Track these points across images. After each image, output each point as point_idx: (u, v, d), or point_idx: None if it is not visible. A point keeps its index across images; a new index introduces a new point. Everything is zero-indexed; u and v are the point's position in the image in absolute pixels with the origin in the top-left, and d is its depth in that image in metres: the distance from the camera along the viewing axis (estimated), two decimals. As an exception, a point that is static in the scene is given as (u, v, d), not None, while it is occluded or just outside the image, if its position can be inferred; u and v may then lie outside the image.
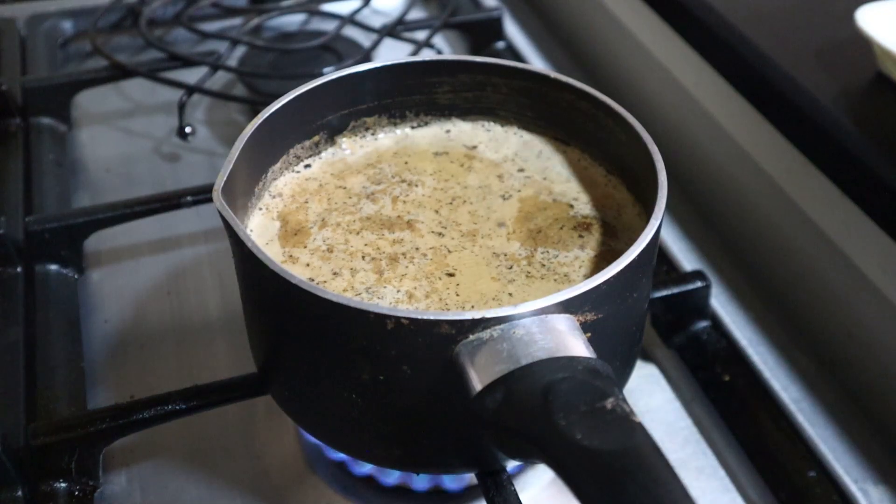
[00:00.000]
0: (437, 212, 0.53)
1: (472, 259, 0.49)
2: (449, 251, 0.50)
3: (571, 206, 0.53)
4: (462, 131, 0.59)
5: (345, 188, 0.55)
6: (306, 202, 0.53)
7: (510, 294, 0.47)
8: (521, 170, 0.56)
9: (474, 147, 0.57)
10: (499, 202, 0.53)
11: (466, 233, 0.51)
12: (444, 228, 0.51)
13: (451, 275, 0.48)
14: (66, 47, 0.95)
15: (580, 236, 0.51)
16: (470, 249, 0.50)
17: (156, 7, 0.93)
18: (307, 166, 0.57)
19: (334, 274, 0.49)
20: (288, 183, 0.55)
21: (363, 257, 0.50)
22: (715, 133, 0.76)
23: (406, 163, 0.56)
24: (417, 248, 0.50)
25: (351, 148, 0.58)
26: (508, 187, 0.55)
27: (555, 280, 0.48)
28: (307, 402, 0.49)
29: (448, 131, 0.59)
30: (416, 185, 0.54)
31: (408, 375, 0.42)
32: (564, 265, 0.49)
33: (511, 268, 0.49)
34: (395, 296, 0.47)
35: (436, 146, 0.58)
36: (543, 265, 0.49)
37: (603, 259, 0.49)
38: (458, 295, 0.47)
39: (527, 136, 0.59)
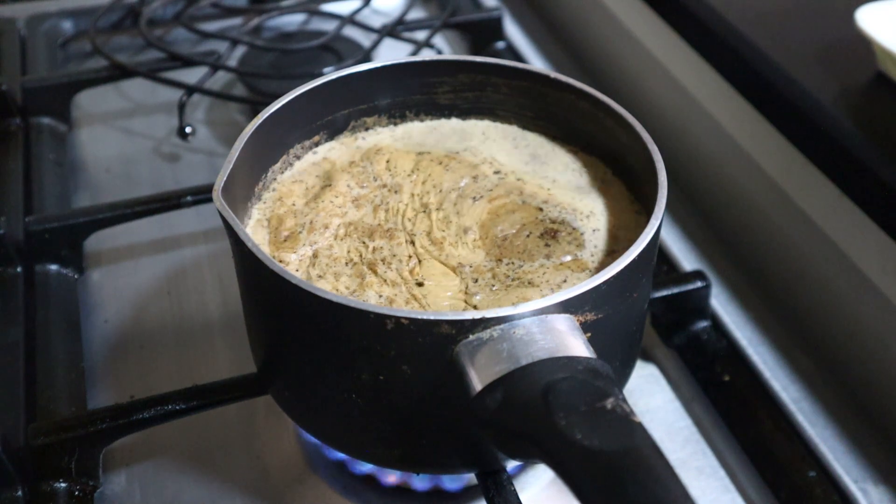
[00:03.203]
0: (410, 220, 0.52)
1: (440, 269, 0.49)
2: (419, 260, 0.49)
3: (540, 210, 0.52)
4: (454, 132, 0.59)
5: (330, 186, 0.54)
6: (293, 205, 0.53)
7: (475, 307, 0.47)
8: (496, 171, 0.55)
9: (457, 152, 0.57)
10: (468, 204, 0.53)
11: (434, 241, 0.50)
12: (414, 236, 0.51)
13: (420, 284, 0.48)
14: (66, 47, 0.95)
15: (546, 245, 0.50)
16: (437, 259, 0.49)
17: (156, 7, 0.93)
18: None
19: (318, 277, 0.48)
20: (281, 184, 0.55)
21: (346, 263, 0.49)
22: (715, 133, 0.76)
23: (388, 161, 0.56)
24: (395, 255, 0.49)
25: (338, 147, 0.57)
26: (480, 188, 0.54)
27: (518, 287, 0.47)
28: (307, 402, 0.49)
29: (438, 130, 0.59)
30: (395, 192, 0.54)
31: (408, 375, 0.42)
32: (529, 273, 0.48)
33: (476, 280, 0.48)
34: (378, 301, 0.47)
35: (420, 146, 0.57)
36: (508, 275, 0.48)
37: (568, 269, 0.49)
38: (428, 306, 0.47)
39: (519, 138, 0.58)
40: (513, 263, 0.49)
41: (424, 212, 0.52)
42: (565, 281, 0.48)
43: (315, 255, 0.49)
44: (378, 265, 0.49)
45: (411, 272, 0.48)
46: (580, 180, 0.55)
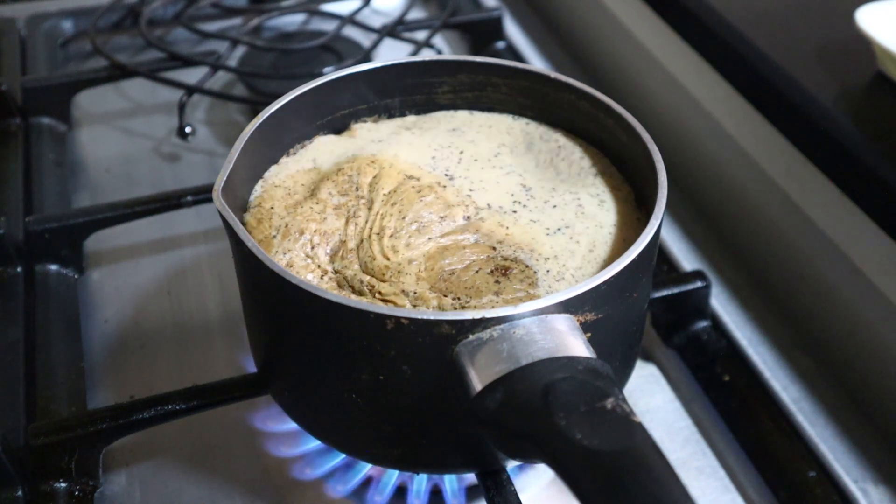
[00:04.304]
0: (363, 241, 0.50)
1: (389, 290, 0.47)
2: (370, 286, 0.47)
3: (493, 248, 0.49)
4: (455, 159, 0.56)
5: (312, 195, 0.52)
6: (272, 208, 0.51)
7: None
8: (467, 217, 0.51)
9: (444, 187, 0.53)
10: (422, 240, 0.49)
11: (378, 269, 0.48)
12: (363, 262, 0.49)
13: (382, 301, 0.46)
14: (66, 47, 0.95)
15: (496, 282, 0.47)
16: (382, 286, 0.47)
17: (156, 7, 0.93)
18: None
19: None
20: (265, 191, 0.53)
21: (322, 276, 0.48)
22: (715, 133, 0.76)
23: (375, 176, 0.53)
24: (355, 276, 0.48)
25: (330, 146, 0.56)
26: (441, 229, 0.50)
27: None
28: (307, 402, 0.49)
29: (435, 154, 0.56)
30: (368, 207, 0.51)
31: (408, 375, 0.42)
32: (477, 307, 0.45)
33: (416, 307, 0.46)
34: None
35: (413, 169, 0.54)
36: (454, 308, 0.45)
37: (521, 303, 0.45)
38: None
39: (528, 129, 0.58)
40: (458, 300, 0.46)
41: (378, 234, 0.50)
42: None
43: (290, 266, 0.48)
44: (343, 284, 0.48)
45: (370, 289, 0.47)
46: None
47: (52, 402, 0.58)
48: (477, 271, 0.47)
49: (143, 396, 0.55)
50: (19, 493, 0.53)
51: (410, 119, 0.59)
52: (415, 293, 0.46)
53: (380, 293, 0.47)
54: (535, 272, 0.48)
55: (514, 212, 0.52)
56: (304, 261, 0.49)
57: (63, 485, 0.53)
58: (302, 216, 0.50)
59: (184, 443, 0.58)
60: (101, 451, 0.54)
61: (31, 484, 0.53)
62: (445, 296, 0.46)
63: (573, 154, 0.56)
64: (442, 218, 0.51)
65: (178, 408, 0.54)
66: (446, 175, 0.54)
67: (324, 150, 0.57)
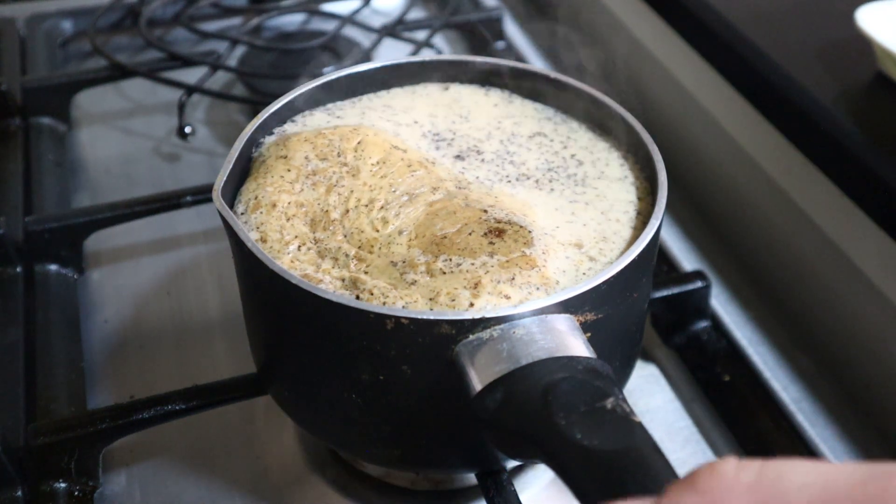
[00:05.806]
0: (348, 211, 0.48)
1: (379, 262, 0.46)
2: (357, 259, 0.46)
3: (485, 212, 0.48)
4: (453, 136, 0.55)
5: (285, 158, 0.50)
6: (245, 184, 0.50)
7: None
8: (460, 186, 0.50)
9: (433, 162, 0.52)
10: (412, 210, 0.48)
11: (367, 241, 0.47)
12: (349, 233, 0.48)
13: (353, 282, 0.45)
14: (66, 47, 0.95)
15: (490, 243, 0.45)
16: (368, 259, 0.46)
17: (156, 7, 0.93)
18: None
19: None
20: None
21: (298, 248, 0.47)
22: (715, 133, 0.76)
23: (359, 142, 0.51)
24: (340, 248, 0.47)
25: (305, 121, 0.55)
26: (433, 199, 0.49)
27: (463, 277, 0.44)
28: (307, 402, 0.49)
29: (435, 133, 0.56)
30: (353, 175, 0.50)
31: (408, 375, 0.42)
32: (469, 271, 0.44)
33: (403, 274, 0.45)
34: (335, 284, 0.45)
35: (398, 141, 0.53)
36: (444, 272, 0.44)
37: (516, 266, 0.44)
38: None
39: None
40: (450, 261, 0.45)
41: (367, 206, 0.48)
42: (514, 278, 0.44)
43: (263, 240, 0.47)
44: (325, 255, 0.46)
45: (356, 262, 0.46)
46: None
47: (52, 402, 0.58)
48: (470, 233, 0.46)
49: (143, 396, 0.55)
50: (19, 493, 0.53)
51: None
52: (404, 262, 0.45)
53: (367, 265, 0.45)
54: (530, 231, 0.47)
55: (509, 182, 0.52)
56: (279, 233, 0.47)
57: (63, 485, 0.53)
58: (273, 186, 0.49)
59: (184, 443, 0.58)
60: (101, 452, 0.54)
61: (31, 484, 0.53)
62: (437, 257, 0.45)
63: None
64: (434, 189, 0.49)
65: (178, 408, 0.54)
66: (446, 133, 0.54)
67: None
